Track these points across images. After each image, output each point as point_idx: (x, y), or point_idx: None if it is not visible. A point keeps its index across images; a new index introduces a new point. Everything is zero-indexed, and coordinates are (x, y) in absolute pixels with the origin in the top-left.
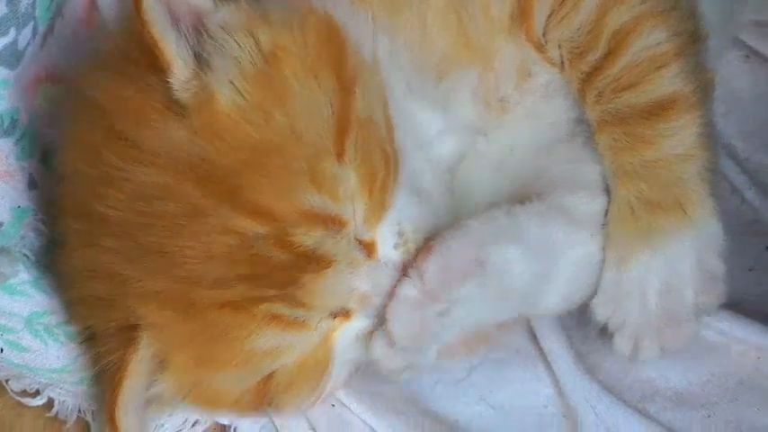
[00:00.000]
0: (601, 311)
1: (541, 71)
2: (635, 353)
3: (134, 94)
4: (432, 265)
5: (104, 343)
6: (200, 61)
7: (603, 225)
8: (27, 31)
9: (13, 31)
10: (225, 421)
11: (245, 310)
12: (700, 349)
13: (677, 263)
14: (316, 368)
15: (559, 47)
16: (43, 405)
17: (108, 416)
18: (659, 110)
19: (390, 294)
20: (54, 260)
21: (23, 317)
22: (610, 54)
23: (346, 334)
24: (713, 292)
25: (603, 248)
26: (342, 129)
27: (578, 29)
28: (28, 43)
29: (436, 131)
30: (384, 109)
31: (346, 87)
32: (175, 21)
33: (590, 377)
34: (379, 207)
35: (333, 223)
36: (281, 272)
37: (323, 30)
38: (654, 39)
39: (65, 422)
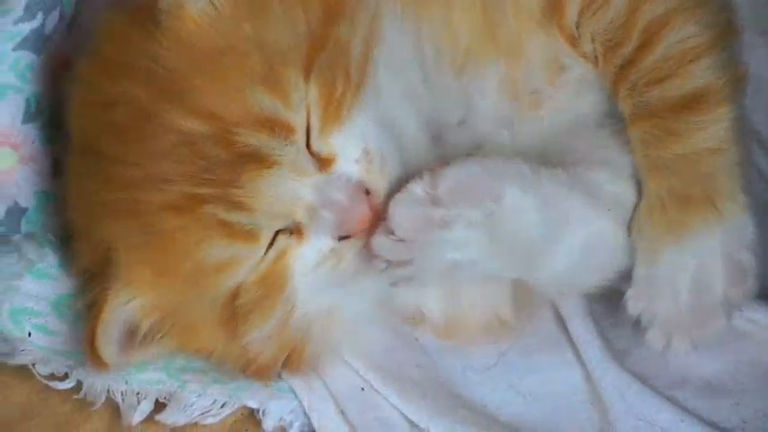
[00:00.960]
0: (633, 305)
1: (574, 65)
2: (667, 347)
3: (125, 23)
4: (448, 175)
5: (87, 273)
6: None
7: (627, 214)
8: (54, 16)
9: (40, 16)
10: (254, 404)
11: (189, 211)
12: (728, 337)
13: (707, 257)
14: (274, 290)
15: (593, 40)
16: (71, 388)
17: (89, 346)
18: (690, 103)
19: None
20: None
21: (51, 300)
22: (642, 47)
23: (304, 257)
24: (743, 286)
25: (621, 235)
26: (315, 47)
27: (611, 22)
28: (54, 28)
29: (456, 121)
30: (365, 43)
31: (332, 16)
32: None
33: (619, 364)
34: (334, 120)
35: (281, 129)
36: (222, 170)
37: None
38: (686, 32)
39: (93, 404)
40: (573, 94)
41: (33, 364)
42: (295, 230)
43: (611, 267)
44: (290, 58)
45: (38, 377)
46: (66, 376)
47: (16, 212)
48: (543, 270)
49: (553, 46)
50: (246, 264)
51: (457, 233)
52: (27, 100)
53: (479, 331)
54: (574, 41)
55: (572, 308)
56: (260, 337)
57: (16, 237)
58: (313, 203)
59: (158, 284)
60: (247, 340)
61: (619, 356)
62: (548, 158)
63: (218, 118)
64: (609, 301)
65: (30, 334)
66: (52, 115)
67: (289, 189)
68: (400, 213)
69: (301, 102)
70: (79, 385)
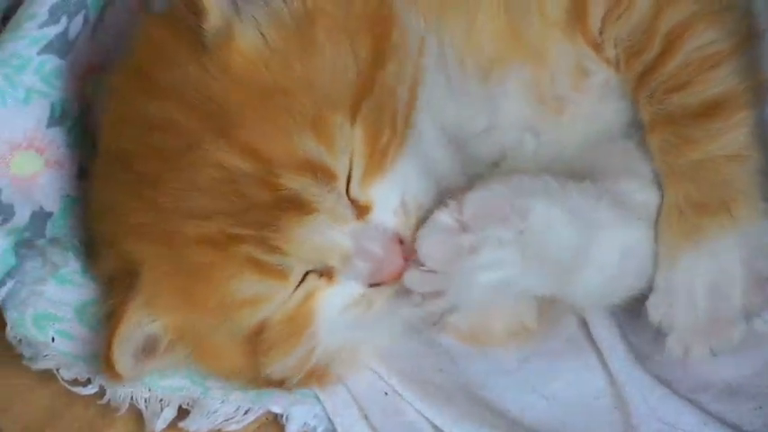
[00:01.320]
0: (653, 312)
1: (598, 70)
2: (686, 354)
3: (167, 37)
4: (472, 200)
5: (109, 282)
6: (238, 9)
7: (655, 222)
8: (78, 20)
9: (64, 20)
10: (277, 409)
11: (223, 248)
12: (750, 341)
13: (724, 264)
14: (299, 328)
15: (616, 46)
16: (95, 393)
17: (105, 357)
18: (709, 110)
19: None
20: None
21: (73, 306)
22: (663, 54)
23: (333, 299)
24: (762, 293)
25: (653, 243)
26: (362, 91)
27: (634, 28)
28: (79, 32)
29: (480, 129)
30: (410, 90)
31: (380, 58)
32: None
33: (642, 368)
34: (377, 169)
35: (324, 174)
36: (261, 212)
37: (372, 7)
38: (707, 38)
39: (117, 410)
40: (597, 101)
41: (57, 369)
42: (325, 272)
43: (644, 277)
44: (338, 101)
45: (61, 382)
46: (89, 381)
47: (41, 217)
48: (578, 285)
49: (577, 51)
50: (274, 301)
51: (487, 256)
52: (52, 104)
53: (503, 336)
54: (597, 47)
55: (596, 312)
56: (281, 368)
57: (41, 241)
58: (348, 251)
59: (184, 311)
60: (268, 372)
61: (642, 360)
62: (575, 171)
63: (262, 158)
64: (632, 305)
65: (53, 339)
66: (77, 119)
67: (326, 237)
68: (429, 245)
69: (346, 148)
70: (102, 391)
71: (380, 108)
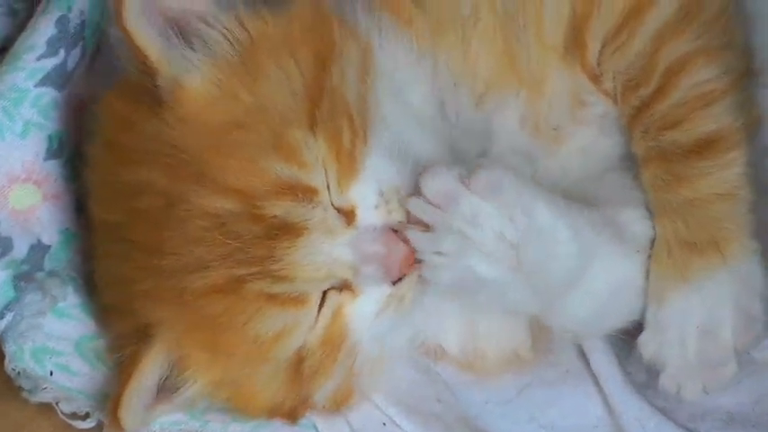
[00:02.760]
0: (644, 349)
1: (596, 102)
2: (679, 391)
3: (127, 105)
4: (483, 174)
5: (120, 342)
6: (182, 58)
7: (649, 256)
8: (76, 52)
9: (62, 52)
10: None
11: (233, 292)
12: (748, 369)
13: (713, 304)
14: (336, 346)
15: (614, 78)
16: (93, 427)
17: (112, 410)
18: (701, 148)
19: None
20: None
21: (73, 340)
22: (660, 91)
23: (363, 308)
24: (752, 332)
25: (646, 277)
26: (313, 100)
27: (633, 61)
28: (77, 64)
29: (474, 154)
30: (361, 84)
31: (322, 64)
32: (162, 23)
33: (640, 396)
34: (350, 171)
35: (304, 192)
36: (257, 246)
37: (308, 18)
38: (704, 75)
39: None
40: (595, 132)
41: (56, 402)
42: (344, 286)
43: (636, 310)
44: (293, 118)
45: (60, 415)
46: (87, 415)
47: (39, 250)
48: (564, 308)
49: (575, 81)
50: (302, 327)
51: (487, 236)
52: (49, 137)
53: (498, 365)
54: (596, 78)
55: (593, 341)
56: (330, 389)
57: (39, 274)
58: (352, 262)
59: (218, 365)
60: (317, 396)
61: (639, 389)
62: (573, 198)
63: (240, 193)
64: (629, 334)
65: (51, 373)
66: (74, 152)
67: (324, 253)
68: (433, 176)
69: (317, 160)
70: (101, 425)
71: (334, 111)
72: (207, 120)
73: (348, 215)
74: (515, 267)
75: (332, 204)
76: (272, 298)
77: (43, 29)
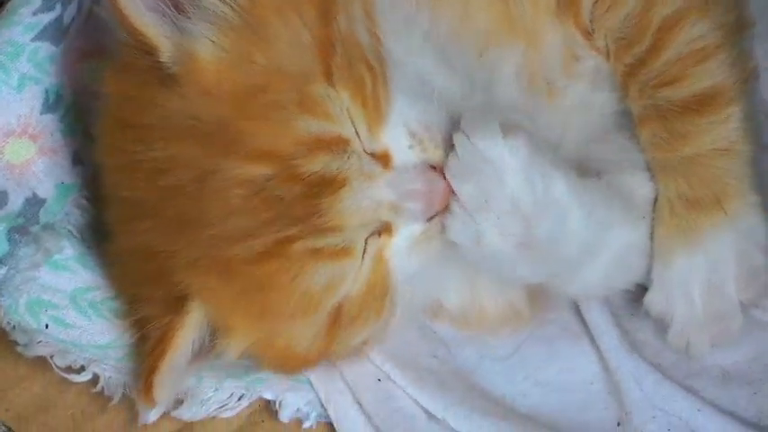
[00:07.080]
0: (652, 307)
1: (588, 57)
2: (687, 347)
3: (132, 82)
4: (521, 134)
5: (150, 310)
6: (183, 30)
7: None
8: (72, 7)
9: (59, 7)
10: (270, 396)
11: (281, 254)
12: (746, 327)
13: (718, 260)
14: (379, 291)
15: (606, 36)
16: (88, 381)
17: (145, 384)
18: (699, 105)
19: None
20: (98, 236)
21: (68, 293)
22: (654, 48)
23: (399, 248)
24: (756, 286)
25: (651, 238)
26: (326, 52)
27: (624, 20)
28: (73, 19)
29: (476, 104)
30: (369, 24)
31: (327, 15)
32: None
33: (636, 354)
34: (378, 114)
35: (336, 144)
36: (299, 205)
37: None
38: (696, 32)
39: (110, 399)
40: (588, 88)
41: (51, 356)
42: (383, 230)
43: (642, 271)
44: (310, 72)
45: (55, 369)
46: (82, 369)
47: (35, 203)
48: (577, 280)
49: (569, 37)
50: (348, 279)
51: (505, 196)
52: (45, 91)
53: (496, 321)
54: (588, 35)
55: (589, 299)
56: (367, 334)
57: (34, 228)
58: (394, 201)
59: (263, 328)
60: (356, 342)
61: (636, 347)
62: (575, 163)
63: (274, 156)
64: (628, 292)
65: (47, 326)
66: (70, 106)
67: (368, 198)
68: (476, 123)
69: (342, 111)
70: (96, 378)
71: (350, 60)
72: (226, 87)
73: (383, 159)
74: (524, 244)
75: (365, 151)
76: (318, 253)
77: None
